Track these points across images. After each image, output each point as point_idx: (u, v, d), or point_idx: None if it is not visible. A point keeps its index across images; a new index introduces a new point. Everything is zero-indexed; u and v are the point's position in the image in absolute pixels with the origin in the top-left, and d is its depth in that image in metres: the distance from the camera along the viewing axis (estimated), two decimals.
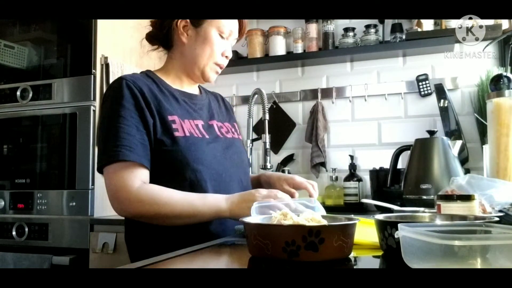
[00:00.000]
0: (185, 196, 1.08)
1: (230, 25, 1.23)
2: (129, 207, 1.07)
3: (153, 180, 1.12)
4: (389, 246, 0.75)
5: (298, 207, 0.99)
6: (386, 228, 0.75)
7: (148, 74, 1.25)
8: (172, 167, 1.12)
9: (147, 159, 1.10)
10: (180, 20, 1.21)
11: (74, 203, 1.89)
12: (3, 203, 2.01)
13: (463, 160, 1.88)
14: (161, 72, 1.27)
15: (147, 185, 1.09)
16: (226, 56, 1.26)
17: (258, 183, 1.38)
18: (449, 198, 1.00)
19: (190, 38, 1.22)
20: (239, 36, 1.30)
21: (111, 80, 1.95)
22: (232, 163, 1.24)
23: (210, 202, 1.08)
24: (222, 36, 1.22)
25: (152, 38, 1.29)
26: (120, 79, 1.16)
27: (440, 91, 1.98)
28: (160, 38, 1.27)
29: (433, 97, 2.10)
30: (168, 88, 1.23)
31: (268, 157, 2.09)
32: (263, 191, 1.07)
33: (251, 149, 2.28)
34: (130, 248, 1.20)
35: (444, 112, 1.95)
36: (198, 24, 1.21)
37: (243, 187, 1.24)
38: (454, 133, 1.92)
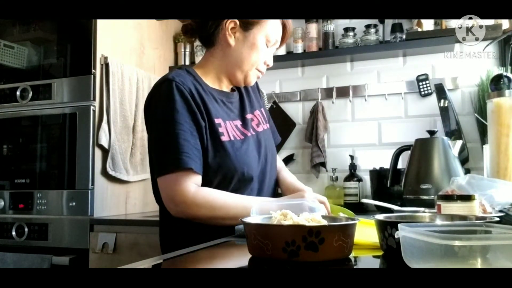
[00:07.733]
0: (238, 198, 1.14)
1: (277, 34, 1.25)
2: (186, 210, 1.12)
3: (203, 182, 1.16)
4: (389, 246, 0.75)
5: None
6: (386, 228, 0.75)
7: (189, 71, 1.22)
8: (220, 170, 1.16)
9: (200, 164, 1.14)
10: (229, 21, 1.19)
11: (74, 203, 1.89)
12: (3, 203, 2.01)
13: (463, 160, 1.88)
14: (200, 71, 1.25)
15: (202, 189, 1.13)
16: (268, 64, 1.28)
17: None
18: (449, 198, 1.00)
19: (238, 41, 1.21)
20: (280, 45, 1.31)
21: (110, 80, 1.95)
22: (267, 160, 1.28)
23: None
24: (268, 44, 1.24)
25: (192, 31, 1.27)
26: (169, 82, 1.15)
27: (440, 91, 1.97)
28: (203, 34, 1.25)
29: (433, 97, 2.10)
30: (208, 88, 1.22)
31: None
32: (312, 194, 1.17)
33: None
34: (163, 246, 1.26)
35: (444, 112, 1.94)
36: (248, 28, 1.20)
37: (271, 184, 1.31)
38: (454, 133, 1.91)
